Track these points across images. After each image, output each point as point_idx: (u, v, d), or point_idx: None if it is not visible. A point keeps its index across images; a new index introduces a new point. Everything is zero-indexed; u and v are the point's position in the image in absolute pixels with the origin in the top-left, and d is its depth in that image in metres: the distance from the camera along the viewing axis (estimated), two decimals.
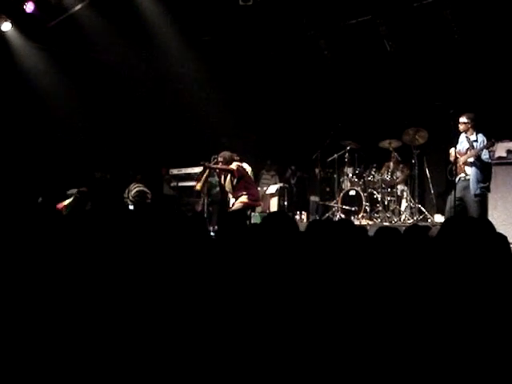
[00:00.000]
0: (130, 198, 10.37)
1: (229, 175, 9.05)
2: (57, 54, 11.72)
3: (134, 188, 10.37)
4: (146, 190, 10.42)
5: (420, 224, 9.27)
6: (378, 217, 10.16)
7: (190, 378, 2.23)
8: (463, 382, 1.96)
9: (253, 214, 10.31)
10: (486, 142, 7.75)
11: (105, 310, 2.55)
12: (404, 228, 3.94)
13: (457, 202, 7.76)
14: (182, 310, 2.49)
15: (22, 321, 2.50)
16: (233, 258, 2.92)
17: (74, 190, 10.13)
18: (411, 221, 9.68)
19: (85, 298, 2.64)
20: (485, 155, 7.73)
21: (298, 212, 11.98)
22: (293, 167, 12.94)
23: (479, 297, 2.13)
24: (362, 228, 4.47)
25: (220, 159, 9.07)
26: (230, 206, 9.18)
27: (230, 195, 9.24)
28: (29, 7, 10.55)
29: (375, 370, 2.09)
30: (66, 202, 9.40)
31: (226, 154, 9.13)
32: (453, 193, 7.81)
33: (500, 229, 2.92)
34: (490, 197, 7.91)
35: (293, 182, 12.79)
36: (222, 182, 9.22)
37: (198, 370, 2.22)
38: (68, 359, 2.31)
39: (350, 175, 10.91)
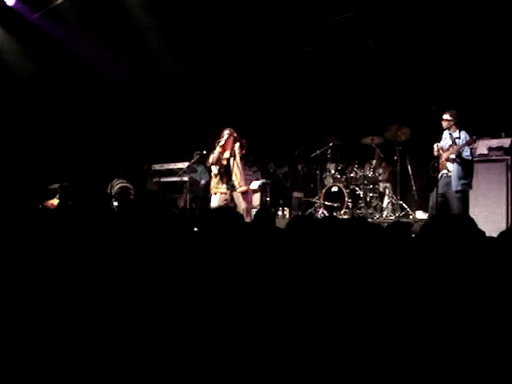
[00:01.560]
0: (113, 193, 10.31)
1: (238, 160, 8.91)
2: (37, 48, 11.61)
3: (117, 184, 10.30)
4: (128, 185, 10.36)
5: (402, 220, 9.35)
6: (360, 213, 10.20)
7: (179, 379, 2.22)
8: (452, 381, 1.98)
9: None
10: (468, 139, 7.82)
11: (91, 309, 2.53)
12: (386, 224, 3.96)
13: (439, 199, 7.82)
14: (171, 310, 2.47)
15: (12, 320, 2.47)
16: (226, 256, 2.91)
17: (56, 185, 10.07)
18: (393, 217, 9.73)
19: (70, 296, 2.62)
20: (465, 152, 7.79)
21: (281, 208, 11.99)
22: (271, 164, 12.91)
23: (461, 292, 2.15)
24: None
25: (227, 131, 8.90)
26: (221, 201, 8.95)
27: (220, 181, 9.00)
28: (10, 0, 10.44)
29: (361, 370, 2.10)
30: (55, 201, 9.37)
31: (231, 129, 8.98)
32: (435, 189, 7.87)
33: (481, 225, 2.96)
34: (472, 193, 7.96)
35: (279, 177, 12.76)
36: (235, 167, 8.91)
37: (191, 370, 2.21)
38: (58, 360, 2.29)
39: (333, 171, 10.94)
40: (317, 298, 2.41)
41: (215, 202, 8.97)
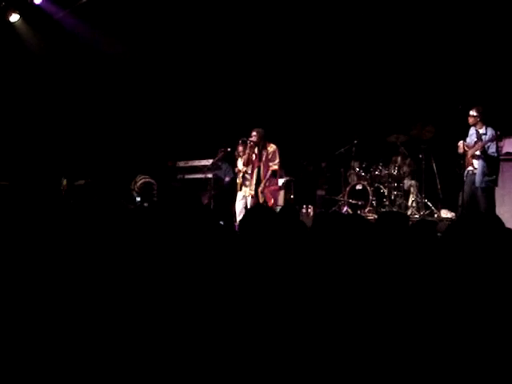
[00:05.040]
0: (136, 189, 10.35)
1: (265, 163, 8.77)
2: (63, 45, 11.66)
3: (140, 179, 10.35)
4: (152, 181, 10.40)
5: (427, 219, 9.26)
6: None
7: (192, 378, 2.21)
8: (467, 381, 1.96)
9: None
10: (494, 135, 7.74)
11: (107, 308, 2.53)
12: (411, 223, 3.93)
13: (466, 196, 7.74)
14: (187, 310, 2.47)
15: (21, 317, 2.48)
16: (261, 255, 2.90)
17: (82, 181, 10.15)
18: (418, 216, 9.66)
19: (86, 295, 2.62)
20: (491, 149, 7.70)
21: (305, 206, 11.94)
22: (305, 162, 12.79)
23: (487, 293, 2.13)
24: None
25: (254, 133, 8.76)
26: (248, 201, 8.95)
27: (249, 181, 8.97)
28: None
29: (379, 369, 2.09)
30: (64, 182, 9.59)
31: (260, 129, 8.81)
32: (464, 187, 7.78)
33: (507, 224, 2.92)
34: (497, 192, 7.88)
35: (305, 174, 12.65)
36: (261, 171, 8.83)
37: (207, 368, 2.21)
38: (67, 358, 2.28)
39: (357, 169, 10.89)
40: (341, 295, 2.41)
41: (240, 199, 9.00)
